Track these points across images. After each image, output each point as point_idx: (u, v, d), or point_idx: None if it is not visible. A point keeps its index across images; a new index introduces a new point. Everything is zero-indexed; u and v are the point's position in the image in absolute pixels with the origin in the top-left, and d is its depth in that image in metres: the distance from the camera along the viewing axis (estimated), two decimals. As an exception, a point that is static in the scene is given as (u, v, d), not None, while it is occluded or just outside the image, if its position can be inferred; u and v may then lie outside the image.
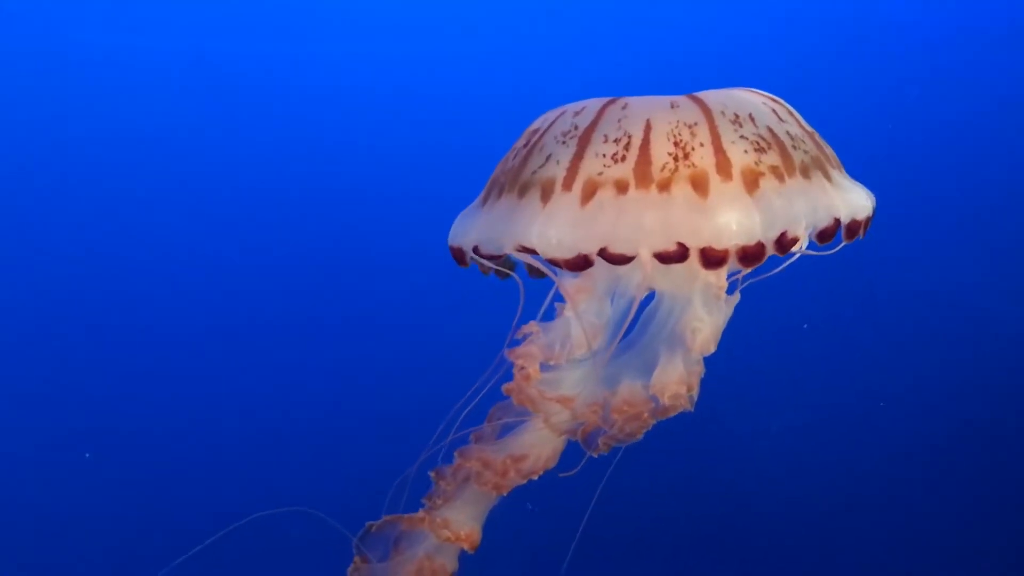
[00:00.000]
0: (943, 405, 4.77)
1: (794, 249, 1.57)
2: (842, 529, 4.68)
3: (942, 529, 4.64)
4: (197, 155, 4.74)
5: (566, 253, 1.45)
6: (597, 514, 2.01)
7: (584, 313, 1.65)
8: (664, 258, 1.43)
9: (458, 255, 1.65)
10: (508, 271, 1.76)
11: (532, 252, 1.51)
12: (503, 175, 1.60)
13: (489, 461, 1.67)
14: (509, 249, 1.53)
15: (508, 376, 1.75)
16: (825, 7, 5.14)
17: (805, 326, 4.66)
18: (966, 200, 4.86)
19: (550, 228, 1.46)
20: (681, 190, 1.43)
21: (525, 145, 1.59)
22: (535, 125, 1.62)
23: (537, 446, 1.70)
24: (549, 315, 1.72)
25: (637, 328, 1.75)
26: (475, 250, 1.58)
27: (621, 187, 1.43)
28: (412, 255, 4.62)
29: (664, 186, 1.43)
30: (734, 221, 1.42)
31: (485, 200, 1.64)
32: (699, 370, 1.68)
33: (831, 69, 5.00)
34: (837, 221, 1.54)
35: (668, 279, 1.64)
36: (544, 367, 1.69)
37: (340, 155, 4.92)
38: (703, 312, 1.64)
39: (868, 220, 1.62)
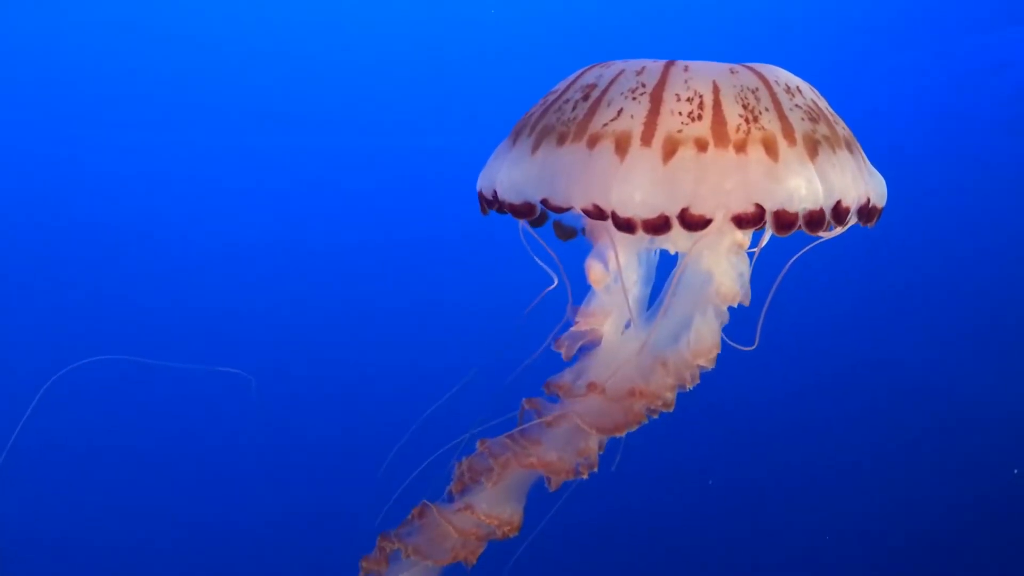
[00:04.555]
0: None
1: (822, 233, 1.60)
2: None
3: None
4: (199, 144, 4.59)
5: (648, 213, 1.44)
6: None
7: (625, 284, 1.67)
8: (742, 220, 1.46)
9: (523, 209, 1.55)
10: (574, 231, 1.73)
11: (600, 212, 1.46)
12: (562, 124, 1.54)
13: (551, 465, 1.66)
14: (582, 205, 1.47)
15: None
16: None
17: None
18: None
19: (631, 185, 1.44)
20: (756, 151, 1.45)
21: (585, 98, 1.54)
22: (587, 80, 1.58)
23: (591, 445, 1.71)
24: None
25: (662, 294, 1.79)
26: (544, 203, 1.52)
27: (701, 145, 1.45)
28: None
29: (740, 147, 1.45)
30: (803, 186, 1.46)
31: (535, 148, 1.55)
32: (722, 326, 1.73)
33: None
34: (868, 200, 1.59)
35: (695, 241, 1.64)
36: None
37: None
38: (731, 271, 1.68)
39: (881, 210, 1.66)
